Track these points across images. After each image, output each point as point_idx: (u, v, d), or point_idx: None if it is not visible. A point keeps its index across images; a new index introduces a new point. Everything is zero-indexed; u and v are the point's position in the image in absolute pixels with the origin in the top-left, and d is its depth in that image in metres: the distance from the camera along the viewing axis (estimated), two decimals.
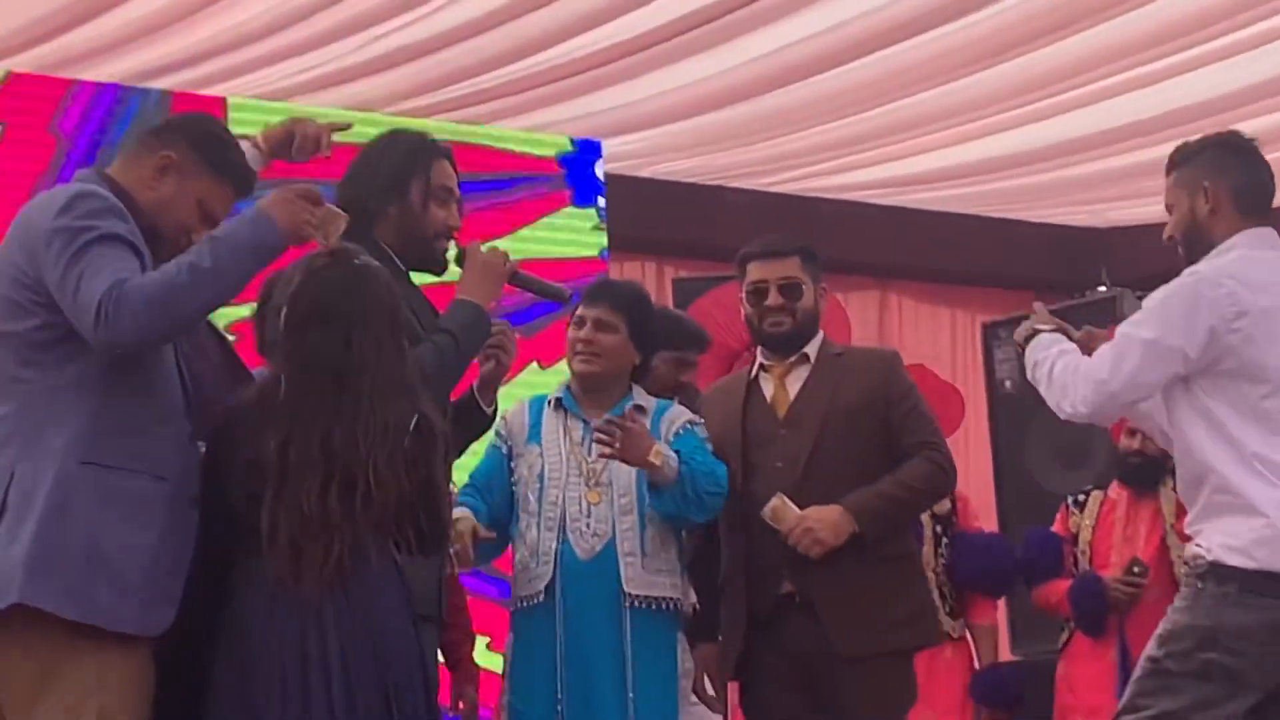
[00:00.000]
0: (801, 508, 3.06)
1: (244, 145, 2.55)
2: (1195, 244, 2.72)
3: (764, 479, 3.16)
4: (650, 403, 3.18)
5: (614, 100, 5.91)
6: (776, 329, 3.23)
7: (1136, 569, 3.94)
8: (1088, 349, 2.77)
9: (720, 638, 3.28)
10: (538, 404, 3.18)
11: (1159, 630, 2.67)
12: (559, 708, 2.96)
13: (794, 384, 3.25)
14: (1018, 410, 5.01)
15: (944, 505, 4.20)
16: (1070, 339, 2.82)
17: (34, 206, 2.35)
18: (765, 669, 3.17)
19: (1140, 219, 6.38)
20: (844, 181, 6.63)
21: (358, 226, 2.64)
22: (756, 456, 3.19)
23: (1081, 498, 4.29)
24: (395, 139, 2.92)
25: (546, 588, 2.99)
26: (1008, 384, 5.06)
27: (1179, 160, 2.79)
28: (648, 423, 3.10)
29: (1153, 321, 2.64)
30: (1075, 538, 4.22)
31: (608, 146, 6.25)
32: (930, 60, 5.50)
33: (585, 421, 3.10)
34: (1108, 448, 4.39)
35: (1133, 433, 4.11)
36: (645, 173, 6.49)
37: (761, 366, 3.31)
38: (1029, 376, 2.86)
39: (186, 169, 2.42)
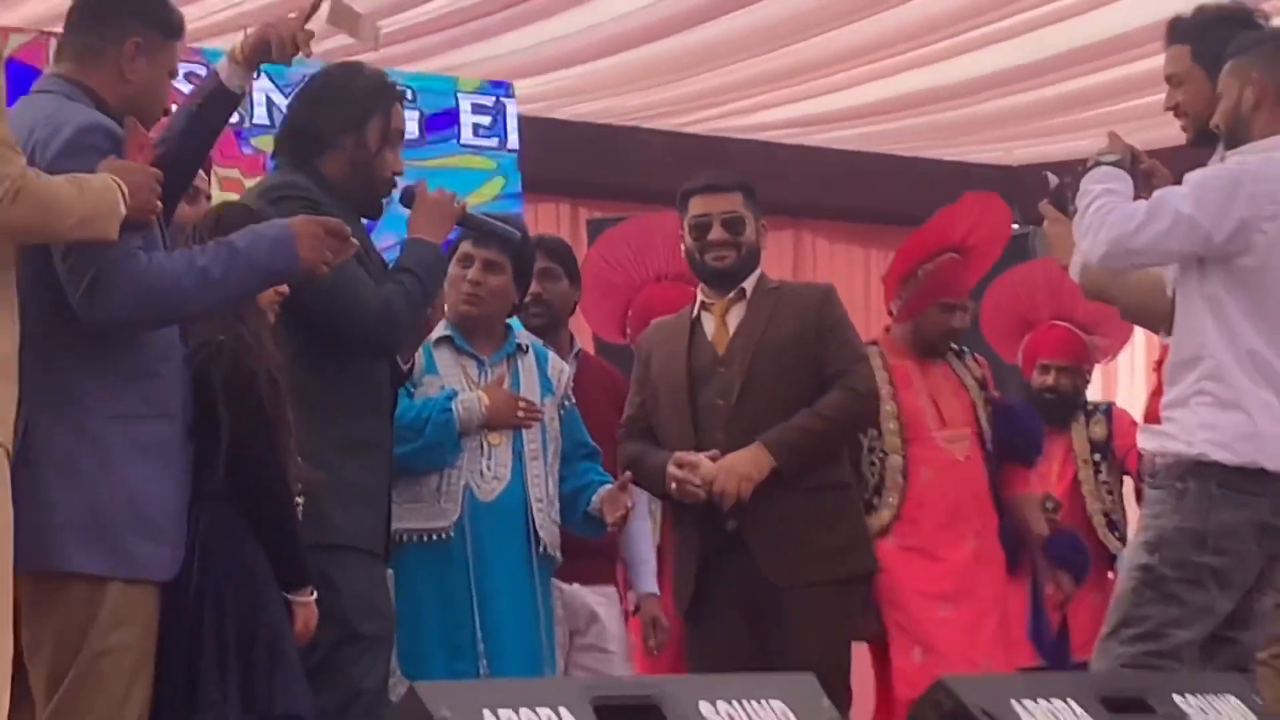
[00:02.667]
0: (736, 444, 3.12)
1: (221, 64, 2.48)
2: (1235, 136, 2.69)
3: (706, 417, 3.22)
4: (530, 340, 3.23)
5: (526, 41, 5.84)
6: (719, 263, 3.28)
7: (1049, 505, 4.02)
8: (1149, 185, 2.76)
9: (674, 580, 3.35)
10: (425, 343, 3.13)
11: (1145, 536, 2.66)
12: (480, 652, 2.92)
13: (733, 320, 3.30)
14: None
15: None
16: (1137, 167, 2.79)
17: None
18: (712, 610, 3.21)
19: (1049, 156, 6.45)
20: (757, 121, 6.63)
21: (303, 154, 2.63)
22: (700, 395, 3.25)
23: None
24: (357, 73, 2.85)
25: (457, 525, 2.97)
26: None
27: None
28: (532, 361, 3.15)
29: (1190, 197, 2.61)
30: None
31: (520, 88, 6.16)
32: None
33: (479, 360, 3.11)
34: (1020, 383, 4.44)
35: (1046, 369, 4.19)
36: (559, 114, 6.43)
37: (703, 304, 3.35)
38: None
39: (152, 47, 2.36)
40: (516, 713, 1.94)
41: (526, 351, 3.17)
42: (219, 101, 2.47)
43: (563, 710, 1.97)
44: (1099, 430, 4.22)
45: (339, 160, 2.74)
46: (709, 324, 3.33)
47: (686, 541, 3.29)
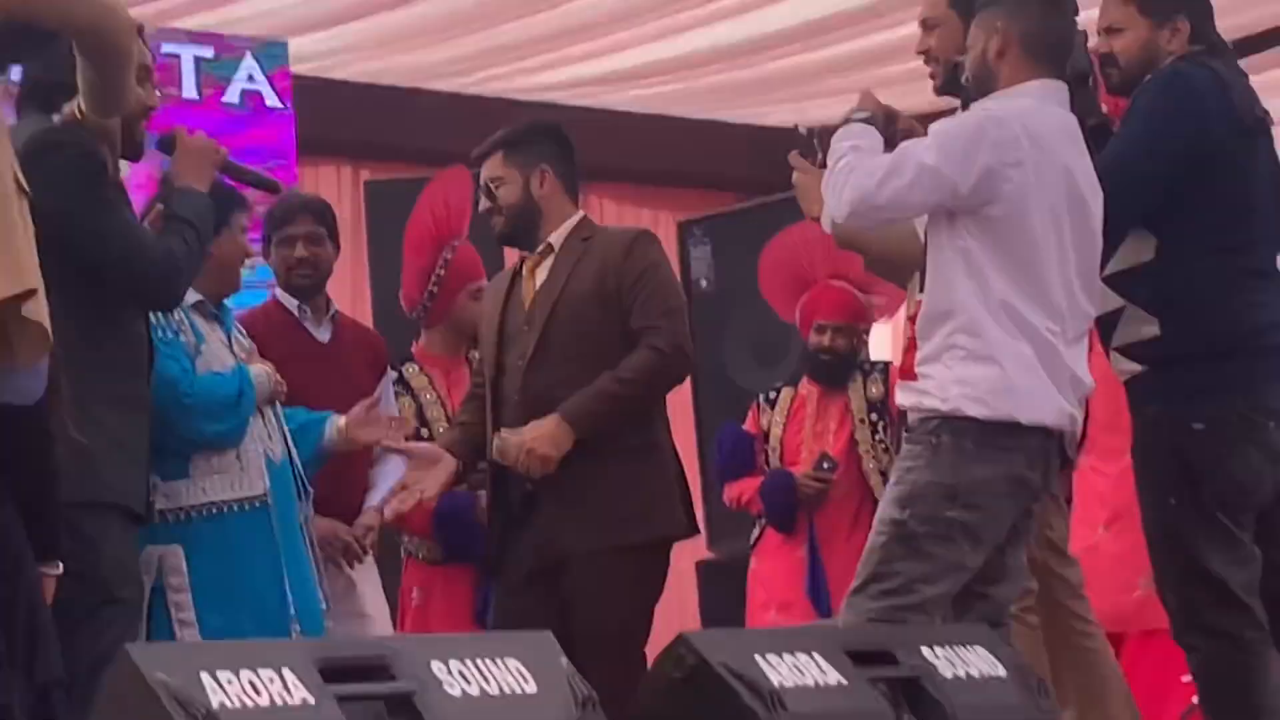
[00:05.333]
0: (530, 409, 3.06)
1: None
2: (982, 85, 2.72)
3: (508, 380, 3.17)
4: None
5: None
6: (494, 229, 3.33)
7: (825, 464, 4.07)
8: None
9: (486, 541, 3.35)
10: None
11: (896, 492, 2.67)
12: (291, 615, 2.92)
13: (540, 276, 3.24)
14: (715, 309, 5.18)
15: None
16: (889, 126, 2.82)
17: None
18: (515, 574, 3.19)
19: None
20: (540, 82, 6.60)
21: (51, 99, 2.60)
22: (507, 355, 3.21)
23: (773, 395, 4.40)
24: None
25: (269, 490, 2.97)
26: (704, 283, 5.21)
27: (985, 1, 2.76)
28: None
29: (934, 148, 2.63)
30: (766, 435, 4.32)
31: (296, 45, 5.98)
32: None
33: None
34: (801, 345, 4.48)
35: (822, 329, 4.22)
36: (336, 74, 6.31)
37: (520, 260, 3.34)
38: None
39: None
40: (237, 675, 1.87)
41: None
42: None
43: (286, 672, 1.90)
44: (876, 389, 4.28)
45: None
46: (523, 283, 3.28)
47: (493, 503, 3.26)
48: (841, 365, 4.23)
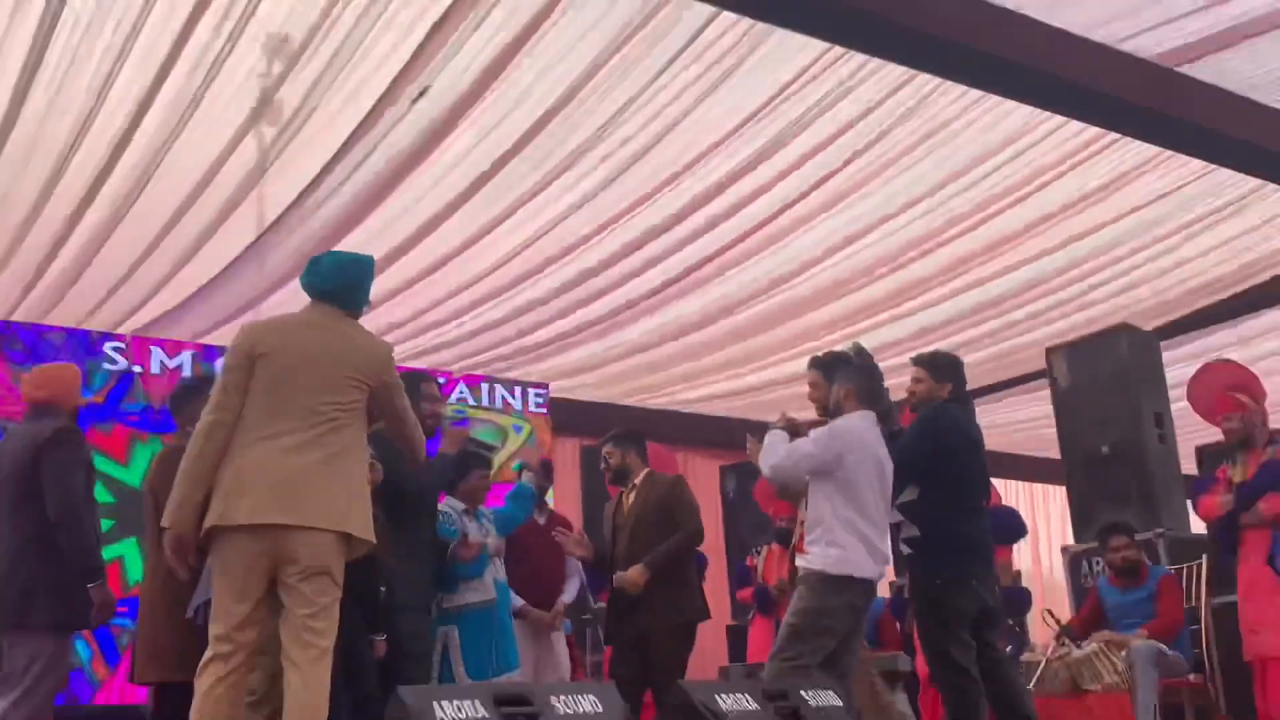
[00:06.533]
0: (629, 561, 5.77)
1: None
2: (836, 412, 5.01)
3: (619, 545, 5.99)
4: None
5: None
6: (607, 479, 6.34)
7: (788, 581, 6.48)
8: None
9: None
10: None
11: (793, 608, 4.75)
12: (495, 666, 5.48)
13: (630, 499, 6.04)
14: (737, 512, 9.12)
15: None
16: (795, 431, 5.09)
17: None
18: (616, 642, 5.77)
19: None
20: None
21: None
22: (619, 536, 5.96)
23: (761, 549, 7.48)
24: None
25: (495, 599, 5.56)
26: (730, 494, 8.50)
27: (824, 365, 5.19)
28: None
29: (812, 443, 4.89)
30: (757, 569, 7.35)
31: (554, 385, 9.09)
32: None
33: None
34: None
35: None
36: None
37: (620, 491, 6.15)
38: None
39: None
40: (451, 703, 3.39)
41: None
42: None
43: (476, 702, 3.45)
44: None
45: None
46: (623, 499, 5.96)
47: (609, 607, 5.79)
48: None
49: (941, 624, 4.89)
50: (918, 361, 5.31)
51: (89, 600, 4.67)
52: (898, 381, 5.35)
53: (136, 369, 8.05)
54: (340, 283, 3.93)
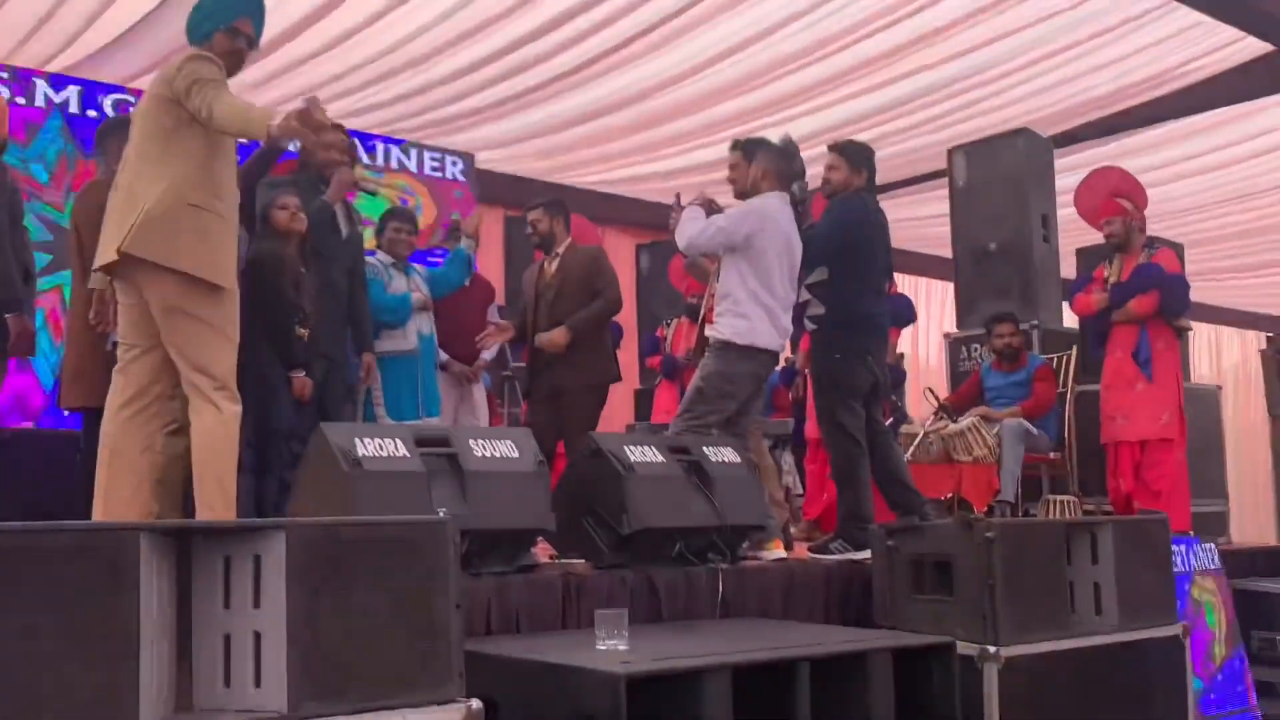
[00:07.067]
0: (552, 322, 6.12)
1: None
2: (751, 193, 5.28)
3: (541, 310, 6.42)
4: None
5: None
6: (533, 243, 6.54)
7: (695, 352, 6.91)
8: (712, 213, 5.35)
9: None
10: None
11: (699, 372, 5.14)
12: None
13: (553, 266, 6.46)
14: (649, 284, 9.05)
15: None
16: (711, 208, 5.39)
17: None
18: (535, 396, 6.19)
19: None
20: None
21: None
22: (540, 301, 6.56)
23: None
24: None
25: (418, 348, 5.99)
26: (644, 269, 8.67)
27: (746, 147, 5.38)
28: None
29: (726, 219, 5.19)
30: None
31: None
32: None
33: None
34: None
35: None
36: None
37: (542, 259, 6.41)
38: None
39: None
40: (374, 440, 3.52)
41: None
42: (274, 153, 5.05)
43: (399, 440, 3.59)
44: None
45: None
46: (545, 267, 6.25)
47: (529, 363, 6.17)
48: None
49: (837, 393, 5.29)
50: (834, 149, 5.53)
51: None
52: (814, 173, 5.64)
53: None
54: (189, 19, 4.07)
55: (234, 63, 4.07)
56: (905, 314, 7.47)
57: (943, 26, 8.53)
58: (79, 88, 8.33)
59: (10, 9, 7.62)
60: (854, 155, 5.49)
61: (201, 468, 3.80)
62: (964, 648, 3.58)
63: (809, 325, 5.48)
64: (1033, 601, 3.87)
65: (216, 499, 3.77)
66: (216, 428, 3.81)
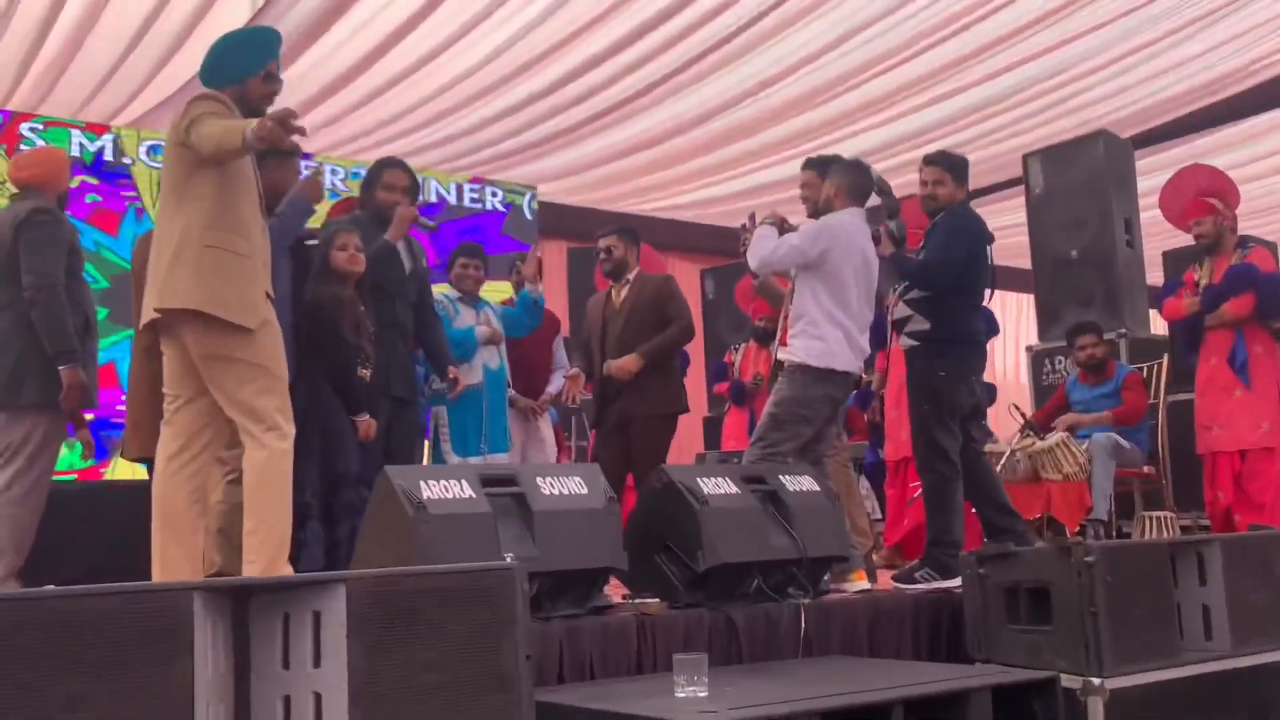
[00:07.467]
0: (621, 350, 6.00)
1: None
2: (825, 210, 5.09)
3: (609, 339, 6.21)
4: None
5: None
6: (605, 271, 6.80)
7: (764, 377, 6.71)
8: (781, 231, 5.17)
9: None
10: None
11: (773, 397, 4.87)
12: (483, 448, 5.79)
13: (622, 293, 6.21)
14: (715, 311, 8.78)
15: None
16: (783, 226, 5.15)
17: None
18: (603, 426, 6.04)
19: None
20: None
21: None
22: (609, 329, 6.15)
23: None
24: None
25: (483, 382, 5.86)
26: (710, 295, 8.64)
27: (819, 165, 5.24)
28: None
29: (799, 237, 4.98)
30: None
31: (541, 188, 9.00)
32: None
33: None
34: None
35: None
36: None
37: (609, 287, 6.22)
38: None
39: None
40: (439, 482, 3.37)
41: None
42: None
43: (464, 482, 3.44)
44: None
45: None
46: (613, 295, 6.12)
47: (597, 394, 6.03)
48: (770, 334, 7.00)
49: (937, 413, 5.04)
50: (933, 162, 5.28)
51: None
52: (896, 183, 5.45)
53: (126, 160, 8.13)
54: (204, 62, 3.97)
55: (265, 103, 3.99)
56: (992, 327, 7.22)
57: (1006, 34, 8.32)
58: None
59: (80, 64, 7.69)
60: (957, 166, 5.26)
61: (246, 507, 3.71)
62: (1066, 680, 3.37)
63: (907, 342, 5.23)
64: (1138, 629, 3.65)
65: (261, 548, 3.67)
66: (261, 467, 3.71)
